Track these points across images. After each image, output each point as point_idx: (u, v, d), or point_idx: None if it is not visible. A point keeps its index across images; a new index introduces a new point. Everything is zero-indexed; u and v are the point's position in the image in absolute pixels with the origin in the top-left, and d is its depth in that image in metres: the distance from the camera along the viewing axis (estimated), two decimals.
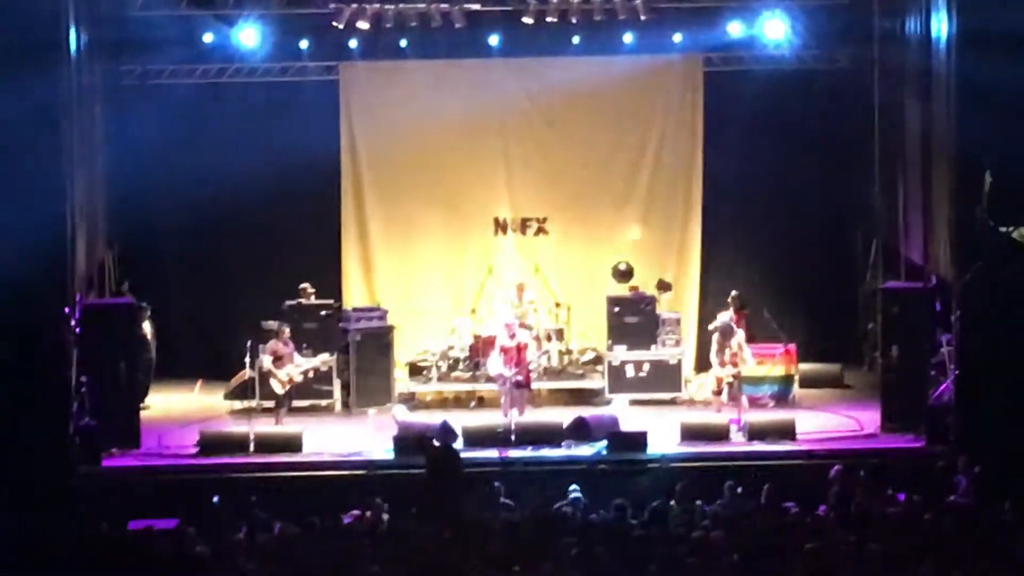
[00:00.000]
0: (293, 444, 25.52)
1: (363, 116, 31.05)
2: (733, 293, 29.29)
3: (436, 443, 23.71)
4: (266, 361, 27.61)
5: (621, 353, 28.85)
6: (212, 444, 25.75)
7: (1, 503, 21.19)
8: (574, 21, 29.04)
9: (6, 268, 23.64)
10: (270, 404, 27.66)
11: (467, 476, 22.97)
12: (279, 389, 27.70)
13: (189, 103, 30.71)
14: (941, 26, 25.09)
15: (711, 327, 28.08)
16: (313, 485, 24.06)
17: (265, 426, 26.41)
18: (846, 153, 30.31)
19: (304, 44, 30.26)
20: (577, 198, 31.25)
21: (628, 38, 30.17)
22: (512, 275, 30.13)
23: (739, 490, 21.68)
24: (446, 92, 31.06)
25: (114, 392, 25.79)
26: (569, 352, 29.91)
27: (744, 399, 27.13)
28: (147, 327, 28.84)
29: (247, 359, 27.63)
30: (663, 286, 30.15)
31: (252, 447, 25.50)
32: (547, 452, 25.19)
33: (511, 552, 17.98)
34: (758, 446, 25.65)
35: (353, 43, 30.08)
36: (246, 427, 25.94)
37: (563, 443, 25.70)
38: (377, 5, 28.38)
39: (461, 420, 26.55)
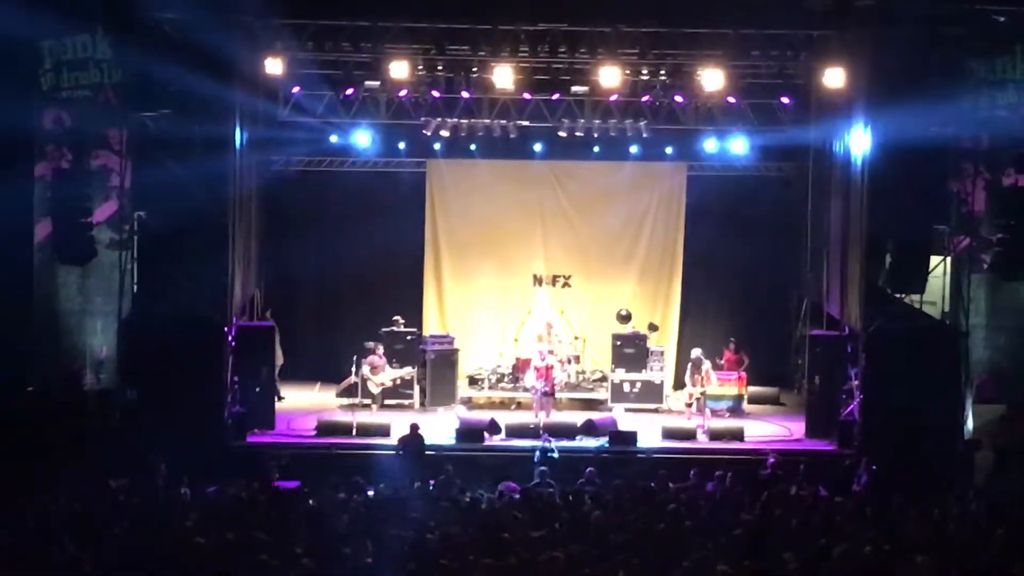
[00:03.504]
0: (383, 431, 25.48)
1: (442, 198, 31.07)
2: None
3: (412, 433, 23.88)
4: (366, 370, 27.72)
5: (620, 374, 28.78)
6: (326, 429, 25.75)
7: (174, 468, 21.16)
8: (595, 135, 29.08)
9: (186, 300, 23.79)
10: (368, 401, 27.73)
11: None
12: (375, 391, 27.81)
13: (318, 185, 30.82)
14: (858, 148, 25.07)
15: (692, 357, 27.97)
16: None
17: (364, 416, 26.43)
18: (786, 237, 30.27)
19: (402, 145, 30.27)
20: (593, 261, 31.20)
21: (633, 149, 30.14)
22: (544, 315, 30.01)
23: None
24: (502, 182, 31.12)
25: (257, 388, 25.80)
26: (583, 372, 29.84)
27: (708, 410, 27.07)
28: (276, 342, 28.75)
29: (353, 368, 27.68)
30: (652, 327, 30.11)
31: (354, 432, 25.51)
32: (565, 444, 25.04)
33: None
34: (717, 444, 25.59)
35: (437, 146, 30.12)
36: (351, 417, 25.98)
37: (576, 437, 25.69)
38: (455, 119, 28.48)
39: (504, 418, 26.52)
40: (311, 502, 19.16)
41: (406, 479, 21.36)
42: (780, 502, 19.68)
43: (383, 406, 27.88)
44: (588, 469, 21.93)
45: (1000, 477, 24.03)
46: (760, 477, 22.48)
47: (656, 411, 28.40)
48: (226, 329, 24.57)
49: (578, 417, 26.75)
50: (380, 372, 27.98)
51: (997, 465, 24.37)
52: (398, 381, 28.28)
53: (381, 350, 28.26)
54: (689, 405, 27.48)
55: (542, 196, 31.12)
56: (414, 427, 24.03)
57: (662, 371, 29.19)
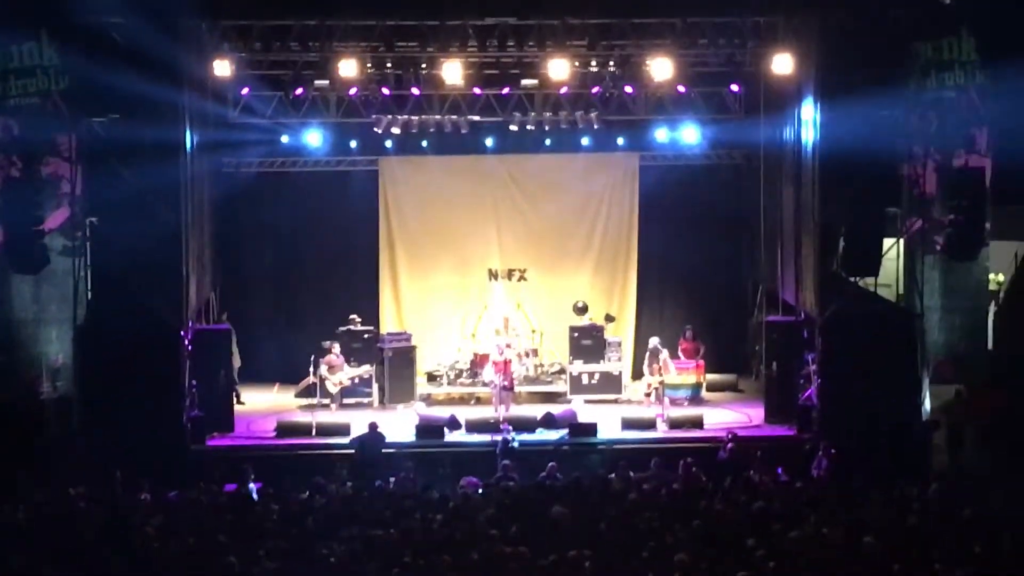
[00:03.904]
0: (343, 430, 25.41)
1: (395, 195, 31.01)
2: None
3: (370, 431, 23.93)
4: (324, 370, 27.71)
5: (579, 366, 28.83)
6: (286, 430, 25.71)
7: (134, 474, 21.10)
8: (547, 128, 29.20)
9: (141, 306, 23.71)
10: (327, 401, 27.73)
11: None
12: (333, 390, 27.82)
13: (270, 186, 30.77)
14: (809, 135, 25.23)
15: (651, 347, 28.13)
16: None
17: (324, 416, 26.42)
18: (740, 225, 30.41)
19: (353, 144, 30.29)
20: (548, 254, 31.18)
21: (585, 140, 30.27)
22: (501, 310, 30.09)
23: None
24: (455, 178, 31.09)
25: (215, 392, 25.68)
26: (541, 365, 29.88)
27: (667, 399, 27.18)
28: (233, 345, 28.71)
29: (311, 368, 27.66)
30: (609, 318, 30.17)
31: (314, 432, 25.49)
32: (525, 437, 25.06)
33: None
34: (677, 433, 25.68)
35: (389, 143, 30.12)
36: (310, 417, 25.98)
37: (536, 430, 25.72)
38: (406, 116, 28.51)
39: (464, 414, 26.55)
40: (273, 504, 19.16)
41: (367, 478, 21.39)
42: (741, 488, 19.81)
43: (342, 405, 27.88)
44: (550, 464, 22.01)
45: (957, 457, 24.27)
46: (718, 459, 22.66)
47: (615, 402, 28.41)
48: (182, 333, 24.50)
49: (537, 410, 26.75)
50: (338, 371, 27.99)
51: (954, 445, 24.58)
52: (356, 380, 28.26)
53: (338, 349, 28.26)
54: (648, 395, 27.63)
55: (495, 190, 31.13)
56: (373, 425, 24.06)
57: (620, 361, 29.23)
